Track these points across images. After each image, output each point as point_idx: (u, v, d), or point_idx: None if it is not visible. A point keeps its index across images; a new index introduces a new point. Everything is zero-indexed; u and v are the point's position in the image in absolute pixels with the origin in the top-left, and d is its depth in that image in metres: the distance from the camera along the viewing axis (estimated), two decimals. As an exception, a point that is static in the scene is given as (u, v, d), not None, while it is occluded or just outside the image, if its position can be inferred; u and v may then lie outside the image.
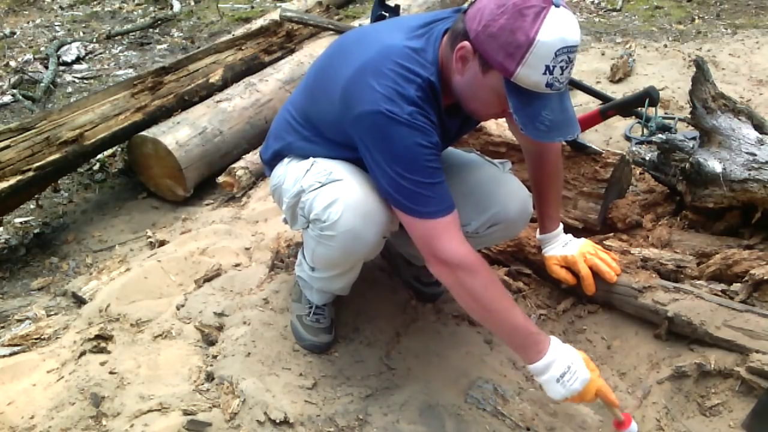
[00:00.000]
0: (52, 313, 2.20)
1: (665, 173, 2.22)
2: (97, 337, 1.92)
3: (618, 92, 3.35)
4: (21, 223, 2.82)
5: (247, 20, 4.86)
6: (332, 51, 1.63)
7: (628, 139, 2.95)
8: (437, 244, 1.47)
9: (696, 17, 4.60)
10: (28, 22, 5.32)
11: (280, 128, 1.76)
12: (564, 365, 1.48)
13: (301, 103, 1.70)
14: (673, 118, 3.04)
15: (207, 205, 2.89)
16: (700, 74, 2.07)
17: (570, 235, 1.96)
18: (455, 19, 1.45)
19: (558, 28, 1.29)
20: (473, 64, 1.39)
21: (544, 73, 1.31)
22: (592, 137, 2.87)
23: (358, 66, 1.46)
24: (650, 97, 2.23)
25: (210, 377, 1.80)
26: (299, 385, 1.77)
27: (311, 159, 1.63)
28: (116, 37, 4.90)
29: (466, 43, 1.37)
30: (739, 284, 1.85)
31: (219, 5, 5.39)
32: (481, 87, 1.41)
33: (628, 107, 2.41)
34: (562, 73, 1.33)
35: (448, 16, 1.51)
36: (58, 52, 4.52)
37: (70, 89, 4.13)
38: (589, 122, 2.38)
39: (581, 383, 1.47)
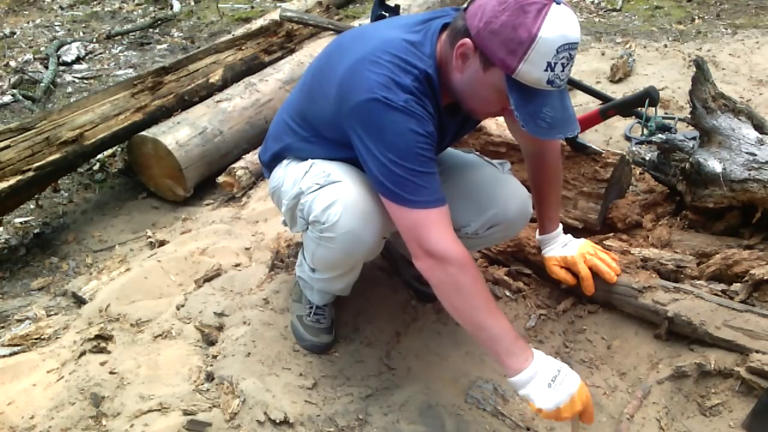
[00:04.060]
0: (52, 313, 2.20)
1: (665, 173, 2.22)
2: (97, 337, 1.93)
3: (618, 92, 3.35)
4: (21, 223, 2.82)
5: (247, 20, 4.86)
6: (330, 50, 1.62)
7: (628, 139, 2.95)
8: (427, 235, 1.42)
9: (696, 17, 4.59)
10: (28, 22, 5.32)
11: (279, 130, 1.76)
12: (554, 369, 1.40)
13: (298, 103, 1.69)
14: (673, 118, 3.04)
15: (207, 205, 2.89)
16: (700, 74, 2.07)
17: (569, 236, 1.96)
18: (455, 17, 1.44)
19: (560, 24, 1.29)
20: (474, 61, 1.39)
21: (546, 70, 1.31)
22: (592, 137, 2.87)
23: (354, 59, 1.45)
24: (650, 97, 2.23)
25: (210, 377, 1.80)
26: (299, 385, 1.77)
27: (310, 161, 1.63)
28: (116, 37, 4.90)
29: (466, 40, 1.37)
30: (739, 284, 1.85)
31: (219, 5, 5.39)
32: (481, 84, 1.40)
33: (628, 107, 2.41)
34: (563, 70, 1.33)
35: (446, 13, 1.51)
36: (58, 52, 4.52)
37: (70, 89, 4.13)
38: (589, 122, 2.37)
39: (576, 385, 1.40)
